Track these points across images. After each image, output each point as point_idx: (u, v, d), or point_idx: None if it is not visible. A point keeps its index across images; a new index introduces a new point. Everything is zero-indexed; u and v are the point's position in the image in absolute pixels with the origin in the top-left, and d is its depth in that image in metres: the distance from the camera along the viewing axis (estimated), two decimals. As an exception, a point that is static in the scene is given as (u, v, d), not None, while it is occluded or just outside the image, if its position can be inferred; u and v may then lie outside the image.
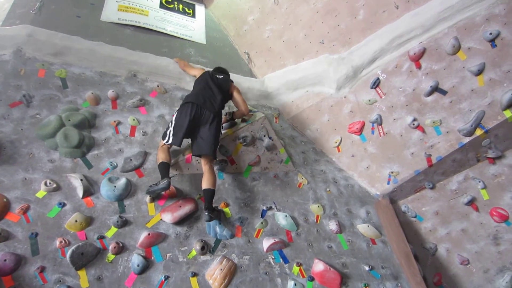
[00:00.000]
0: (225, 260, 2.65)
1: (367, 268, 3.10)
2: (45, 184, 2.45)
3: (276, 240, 2.92)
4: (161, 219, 2.66)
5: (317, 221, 3.30)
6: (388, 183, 3.71)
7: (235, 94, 3.14)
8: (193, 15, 4.70)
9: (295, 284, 2.74)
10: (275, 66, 4.36)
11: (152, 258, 2.49)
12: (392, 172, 3.67)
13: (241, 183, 3.21)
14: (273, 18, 4.32)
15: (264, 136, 3.35)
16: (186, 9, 4.70)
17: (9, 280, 2.07)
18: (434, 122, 3.40)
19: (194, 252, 2.63)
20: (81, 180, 2.54)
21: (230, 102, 3.26)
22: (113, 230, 2.49)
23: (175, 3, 4.65)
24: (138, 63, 3.50)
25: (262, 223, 3.02)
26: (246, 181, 3.25)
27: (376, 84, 3.62)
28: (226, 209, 2.96)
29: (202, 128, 2.80)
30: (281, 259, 2.88)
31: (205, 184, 2.71)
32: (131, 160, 2.85)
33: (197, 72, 3.38)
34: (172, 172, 2.85)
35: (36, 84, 2.88)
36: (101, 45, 3.41)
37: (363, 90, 3.72)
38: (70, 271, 2.22)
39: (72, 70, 3.13)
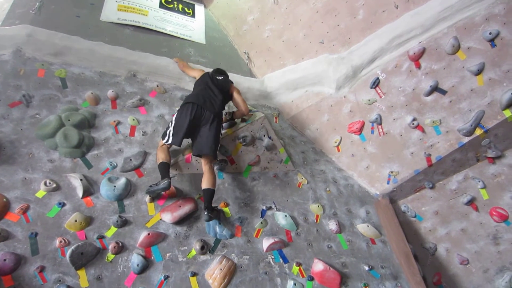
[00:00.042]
0: (224, 259, 2.66)
1: (366, 268, 3.10)
2: (45, 184, 2.45)
3: (276, 240, 2.92)
4: (160, 219, 2.67)
5: (316, 221, 3.30)
6: (387, 183, 3.71)
7: (235, 95, 3.15)
8: (193, 15, 4.70)
9: (295, 284, 2.74)
10: (274, 66, 4.36)
11: (152, 257, 2.49)
12: (391, 172, 3.67)
13: (241, 183, 3.21)
14: (273, 18, 4.32)
15: (264, 136, 3.35)
16: (186, 9, 4.70)
17: (8, 279, 2.07)
18: (433, 121, 3.40)
19: (193, 252, 2.63)
20: (81, 180, 2.54)
21: (230, 103, 3.27)
22: (113, 230, 2.49)
23: (175, 3, 4.65)
24: (137, 63, 3.50)
25: (261, 223, 3.02)
26: (245, 181, 3.25)
27: (375, 83, 3.62)
28: (226, 209, 2.96)
29: (202, 128, 2.80)
30: (280, 259, 2.88)
31: (205, 184, 2.71)
32: (130, 160, 2.85)
33: (196, 73, 3.38)
34: (172, 172, 2.85)
35: (35, 84, 2.88)
36: (100, 45, 3.42)
37: (363, 89, 3.72)
38: (70, 271, 2.23)
39: (72, 70, 3.13)
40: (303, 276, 2.85)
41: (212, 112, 2.81)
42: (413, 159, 3.55)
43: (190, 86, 3.58)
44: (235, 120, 3.35)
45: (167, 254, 2.55)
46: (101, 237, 2.42)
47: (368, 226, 3.44)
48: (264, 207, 3.14)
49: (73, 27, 3.44)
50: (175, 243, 2.63)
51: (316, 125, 4.08)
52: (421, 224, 3.78)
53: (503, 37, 3.02)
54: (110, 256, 2.38)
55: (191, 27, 4.50)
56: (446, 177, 3.65)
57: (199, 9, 4.86)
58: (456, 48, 3.19)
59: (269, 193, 3.29)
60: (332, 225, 3.30)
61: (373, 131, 3.74)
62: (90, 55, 3.29)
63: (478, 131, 3.24)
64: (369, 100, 3.69)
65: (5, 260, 2.08)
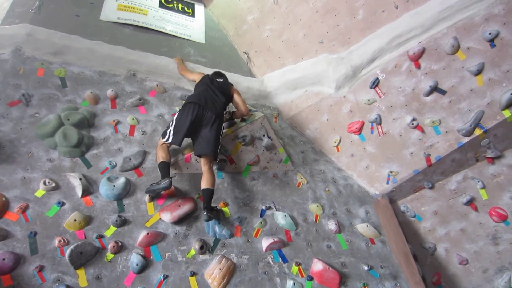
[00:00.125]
0: (224, 259, 2.66)
1: (366, 268, 3.11)
2: (44, 183, 2.45)
3: (275, 239, 2.92)
4: (160, 219, 2.66)
5: (316, 220, 3.30)
6: (387, 183, 3.71)
7: (235, 96, 3.17)
8: (193, 15, 4.70)
9: (294, 284, 2.74)
10: (274, 65, 4.36)
11: (151, 257, 2.49)
12: (391, 172, 3.68)
13: (240, 182, 3.21)
14: (273, 18, 4.32)
15: (264, 135, 3.35)
16: (186, 9, 4.70)
17: (8, 279, 2.07)
18: (433, 122, 3.40)
19: (193, 252, 2.63)
20: (80, 179, 2.54)
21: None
22: (112, 229, 2.49)
23: (175, 2, 4.64)
24: (137, 63, 3.50)
25: (261, 222, 3.02)
26: (245, 181, 3.25)
27: (375, 83, 3.62)
28: (225, 209, 2.96)
29: (203, 128, 2.81)
30: (280, 259, 2.88)
31: (204, 184, 2.71)
32: (130, 159, 2.85)
33: (195, 76, 3.38)
34: (171, 171, 2.84)
35: (35, 83, 2.87)
36: (100, 44, 3.41)
37: (363, 89, 3.72)
38: (69, 270, 2.22)
39: (71, 69, 3.13)
40: (302, 276, 2.85)
41: (214, 112, 2.82)
42: (413, 159, 3.55)
43: (189, 86, 3.58)
44: (235, 120, 3.35)
45: (167, 254, 2.55)
46: (101, 237, 2.42)
47: (367, 226, 3.44)
48: (263, 207, 3.14)
49: (73, 26, 3.44)
50: (175, 242, 2.62)
51: (315, 125, 4.08)
52: (420, 224, 3.78)
53: (502, 37, 3.02)
54: (109, 255, 2.38)
55: (190, 27, 4.50)
56: (445, 177, 3.66)
57: (198, 8, 4.86)
58: (456, 48, 3.19)
59: (269, 193, 3.29)
60: (332, 225, 3.30)
61: (373, 131, 3.74)
62: (89, 54, 3.29)
63: (478, 131, 3.24)
64: (368, 100, 3.69)
65: (4, 259, 2.08)
